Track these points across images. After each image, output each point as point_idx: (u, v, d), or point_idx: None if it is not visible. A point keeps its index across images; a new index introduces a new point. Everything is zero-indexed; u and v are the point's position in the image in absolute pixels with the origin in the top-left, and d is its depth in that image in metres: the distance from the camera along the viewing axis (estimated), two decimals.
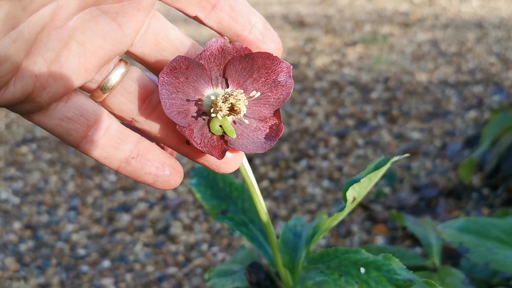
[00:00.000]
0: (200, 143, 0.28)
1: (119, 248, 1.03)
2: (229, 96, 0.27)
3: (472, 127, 1.46)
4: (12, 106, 0.25)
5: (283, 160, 1.34)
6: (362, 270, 0.35)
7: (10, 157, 1.45)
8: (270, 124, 0.29)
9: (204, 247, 1.01)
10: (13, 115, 1.76)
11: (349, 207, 0.38)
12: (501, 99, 1.64)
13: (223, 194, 0.47)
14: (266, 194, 1.19)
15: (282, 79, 0.29)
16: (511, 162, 1.07)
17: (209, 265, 0.96)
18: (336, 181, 1.23)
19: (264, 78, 0.29)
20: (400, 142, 1.41)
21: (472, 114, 1.56)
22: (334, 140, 1.44)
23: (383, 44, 2.51)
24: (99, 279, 0.94)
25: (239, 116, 0.28)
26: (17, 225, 1.12)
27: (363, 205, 1.10)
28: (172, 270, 0.95)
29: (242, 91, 0.28)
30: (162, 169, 0.28)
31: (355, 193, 0.38)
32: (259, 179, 1.25)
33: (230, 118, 0.28)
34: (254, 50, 0.29)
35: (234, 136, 0.28)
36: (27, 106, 0.25)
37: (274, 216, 1.10)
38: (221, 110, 0.27)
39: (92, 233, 1.08)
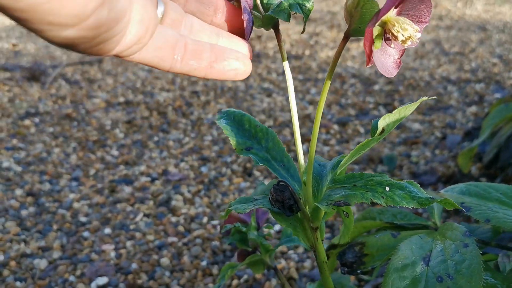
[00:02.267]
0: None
1: (120, 217, 1.04)
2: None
3: (472, 121, 1.47)
4: (126, 50, 0.29)
5: (285, 144, 1.35)
6: (387, 188, 0.37)
7: (12, 129, 1.46)
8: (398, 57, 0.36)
9: (205, 219, 1.02)
10: (16, 89, 1.76)
11: (377, 137, 0.39)
12: (502, 96, 1.65)
13: (248, 134, 0.49)
14: (267, 173, 1.20)
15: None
16: (509, 152, 1.09)
17: (209, 236, 0.97)
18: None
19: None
20: (401, 132, 1.42)
21: (473, 109, 1.57)
22: (335, 127, 1.45)
23: None
24: (99, 245, 0.95)
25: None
26: (18, 192, 1.13)
27: None
28: (172, 239, 0.96)
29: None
30: (238, 63, 0.34)
31: (385, 124, 0.39)
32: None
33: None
34: None
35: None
36: (136, 47, 0.30)
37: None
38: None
39: (93, 202, 1.09)
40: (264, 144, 0.47)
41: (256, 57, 2.19)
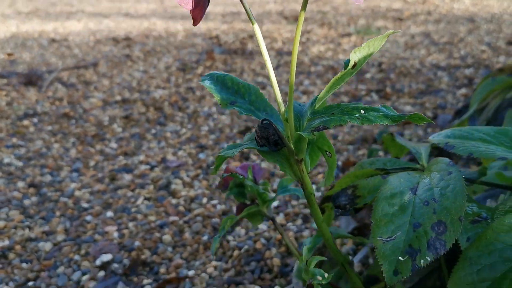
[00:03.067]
0: None
1: (121, 201, 1.06)
2: None
3: (462, 101, 1.50)
4: None
5: None
6: (363, 111, 0.40)
7: (12, 129, 1.48)
8: None
9: (204, 200, 1.04)
10: (13, 93, 1.79)
11: (350, 70, 0.42)
12: None
13: (232, 91, 0.52)
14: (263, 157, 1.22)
15: None
16: (497, 125, 1.11)
17: (209, 214, 0.99)
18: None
19: None
20: None
21: (462, 91, 1.60)
22: None
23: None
24: (102, 227, 0.97)
25: None
26: (20, 184, 1.15)
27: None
28: (173, 218, 0.98)
29: None
30: None
31: (356, 58, 0.42)
32: None
33: None
34: None
35: None
36: None
37: (271, 175, 1.14)
38: None
39: (94, 190, 1.11)
40: (247, 98, 0.50)
41: (249, 55, 2.22)
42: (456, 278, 0.44)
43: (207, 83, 0.52)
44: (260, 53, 2.25)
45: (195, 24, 0.43)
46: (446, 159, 0.49)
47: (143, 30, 2.97)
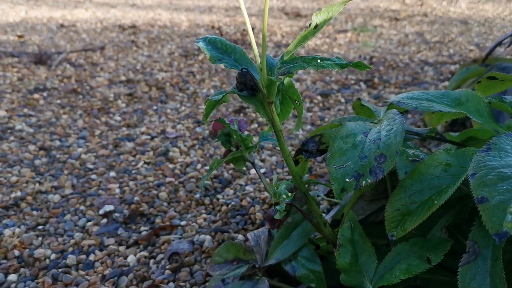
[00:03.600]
0: None
1: (123, 164, 1.17)
2: None
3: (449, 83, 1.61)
4: None
5: None
6: (319, 61, 0.50)
7: (23, 101, 1.59)
8: None
9: (199, 166, 1.15)
10: (24, 70, 1.90)
11: (312, 30, 0.53)
12: None
13: (220, 50, 0.63)
14: (254, 133, 1.33)
15: None
16: None
17: (202, 177, 1.10)
18: (317, 126, 1.38)
19: None
20: (378, 101, 1.56)
21: (445, 83, 1.71)
22: (319, 98, 1.59)
23: (373, 33, 2.67)
24: (106, 184, 1.08)
25: None
26: (31, 147, 1.26)
27: None
28: (169, 179, 1.09)
29: None
30: None
31: (318, 20, 0.53)
32: (250, 123, 1.40)
33: None
34: None
35: None
36: None
37: (261, 148, 1.25)
38: None
39: (99, 154, 1.22)
40: (233, 56, 0.61)
41: (249, 45, 2.33)
42: (393, 200, 0.55)
43: (201, 44, 0.63)
44: (260, 44, 2.36)
45: None
46: (394, 110, 0.60)
47: (148, 20, 3.08)
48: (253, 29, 2.70)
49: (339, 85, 1.73)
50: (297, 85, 1.75)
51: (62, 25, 2.85)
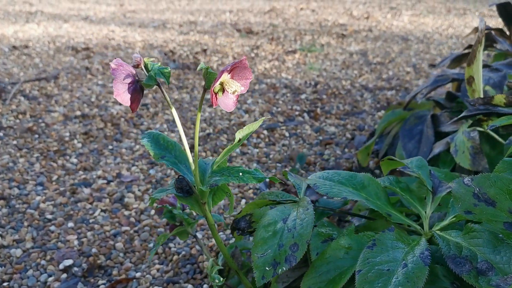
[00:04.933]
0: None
1: (80, 213, 1.25)
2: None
3: (378, 123, 1.77)
4: None
5: (221, 148, 1.60)
6: (241, 174, 0.62)
7: None
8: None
9: (152, 212, 1.25)
10: None
11: (236, 143, 0.65)
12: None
13: (163, 147, 0.73)
14: None
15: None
16: (394, 149, 1.37)
17: (155, 225, 1.20)
18: (263, 164, 1.50)
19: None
20: (319, 135, 1.70)
21: (381, 113, 1.87)
22: (265, 132, 1.71)
23: (320, 52, 2.82)
24: (64, 236, 1.16)
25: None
26: None
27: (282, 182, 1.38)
28: (125, 228, 1.18)
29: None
30: None
31: (240, 136, 0.65)
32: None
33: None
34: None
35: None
36: None
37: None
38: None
39: (57, 202, 1.30)
40: (173, 153, 0.72)
41: (201, 70, 2.43)
42: (306, 279, 0.68)
43: (145, 141, 0.74)
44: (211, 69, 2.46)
45: (133, 112, 0.64)
46: (308, 199, 0.73)
47: (102, 38, 3.12)
48: (205, 50, 2.80)
49: (285, 116, 1.86)
50: (245, 117, 1.86)
51: (14, 47, 2.86)
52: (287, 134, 1.71)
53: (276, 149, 1.60)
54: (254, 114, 1.88)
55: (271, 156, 1.55)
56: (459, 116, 0.91)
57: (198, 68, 0.62)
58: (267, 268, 0.65)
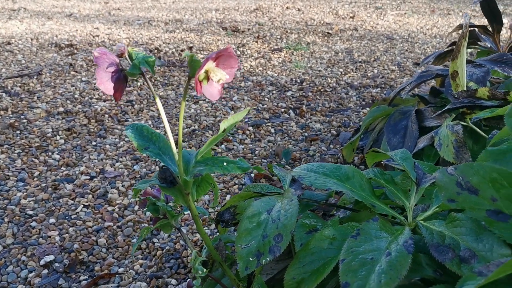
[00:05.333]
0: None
1: (62, 209, 1.23)
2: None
3: (363, 120, 1.77)
4: None
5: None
6: (225, 163, 0.61)
7: None
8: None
9: (136, 207, 1.24)
10: None
11: (221, 134, 0.64)
12: None
13: (146, 138, 0.72)
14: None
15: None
16: (379, 144, 1.38)
17: (139, 220, 1.19)
18: (249, 159, 1.49)
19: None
20: (305, 131, 1.70)
21: (365, 110, 1.88)
22: (250, 129, 1.70)
23: (306, 51, 2.82)
24: (46, 232, 1.14)
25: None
26: None
27: (266, 176, 1.37)
28: (108, 224, 1.17)
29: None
30: None
31: (225, 126, 0.64)
32: None
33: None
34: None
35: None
36: None
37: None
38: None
39: (38, 199, 1.28)
40: (157, 144, 0.71)
41: (187, 67, 2.41)
42: (290, 270, 0.67)
43: (129, 132, 0.73)
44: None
45: (116, 101, 0.63)
46: (292, 190, 0.72)
47: (86, 35, 3.08)
48: (191, 48, 2.78)
49: (270, 113, 1.85)
50: (231, 113, 1.85)
51: None
52: (272, 130, 1.70)
53: (261, 145, 1.59)
54: (240, 111, 1.87)
55: (256, 152, 1.55)
56: (443, 109, 0.91)
57: (183, 55, 0.61)
58: (250, 259, 0.64)
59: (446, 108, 0.90)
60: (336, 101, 1.99)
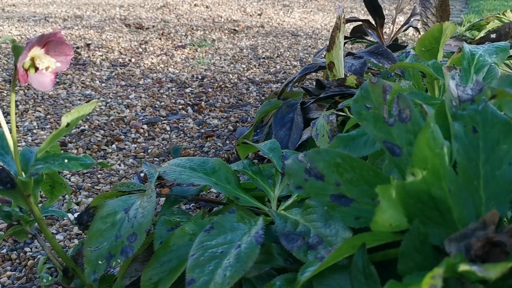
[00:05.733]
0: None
1: None
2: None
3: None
4: None
5: (95, 144, 1.50)
6: (66, 160, 0.56)
7: None
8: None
9: None
10: None
11: (65, 129, 0.58)
12: None
13: None
14: (73, 171, 1.35)
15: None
16: (270, 138, 1.38)
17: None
18: (140, 158, 1.44)
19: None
20: (201, 127, 1.67)
21: None
22: (145, 127, 1.64)
23: (210, 47, 2.79)
24: None
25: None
26: None
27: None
28: None
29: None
30: None
31: (69, 119, 0.59)
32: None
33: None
34: None
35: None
36: None
37: (78, 189, 1.27)
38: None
39: None
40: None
41: (82, 65, 2.29)
42: (148, 270, 0.64)
43: None
44: (92, 64, 2.33)
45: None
46: (153, 186, 0.68)
47: None
48: (88, 45, 2.65)
49: (168, 110, 1.80)
50: (126, 111, 1.78)
51: None
52: (168, 128, 1.66)
53: (155, 144, 1.54)
54: (135, 109, 1.80)
55: (149, 150, 1.49)
56: (315, 98, 0.92)
57: (2, 40, 0.55)
58: (99, 262, 0.60)
59: (318, 97, 0.91)
60: (236, 97, 1.98)
